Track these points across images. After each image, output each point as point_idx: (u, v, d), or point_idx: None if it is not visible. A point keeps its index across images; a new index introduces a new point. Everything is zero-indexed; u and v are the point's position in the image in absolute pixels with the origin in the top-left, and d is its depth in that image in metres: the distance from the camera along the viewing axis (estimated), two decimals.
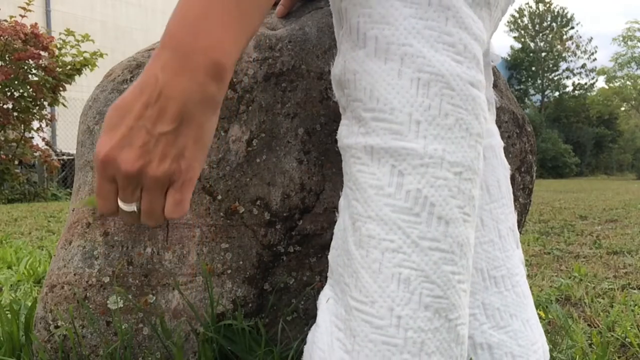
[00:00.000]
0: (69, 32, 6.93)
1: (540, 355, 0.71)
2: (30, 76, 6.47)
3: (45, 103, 6.71)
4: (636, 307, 1.42)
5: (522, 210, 1.03)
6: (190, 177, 0.54)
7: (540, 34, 29.87)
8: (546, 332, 1.06)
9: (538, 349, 0.71)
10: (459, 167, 0.60)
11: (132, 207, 0.54)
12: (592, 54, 30.53)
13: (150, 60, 0.52)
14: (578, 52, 30.33)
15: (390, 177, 0.59)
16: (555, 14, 29.83)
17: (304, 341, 0.72)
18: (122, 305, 0.84)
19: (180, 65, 0.50)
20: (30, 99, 6.50)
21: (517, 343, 0.70)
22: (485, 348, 0.69)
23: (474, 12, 0.62)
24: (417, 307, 0.58)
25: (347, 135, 0.64)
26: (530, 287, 0.77)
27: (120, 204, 0.54)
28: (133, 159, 0.51)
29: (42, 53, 6.46)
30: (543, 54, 29.61)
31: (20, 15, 6.52)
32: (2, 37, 6.25)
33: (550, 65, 29.68)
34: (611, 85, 29.71)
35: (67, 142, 9.14)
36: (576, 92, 30.09)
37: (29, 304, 1.21)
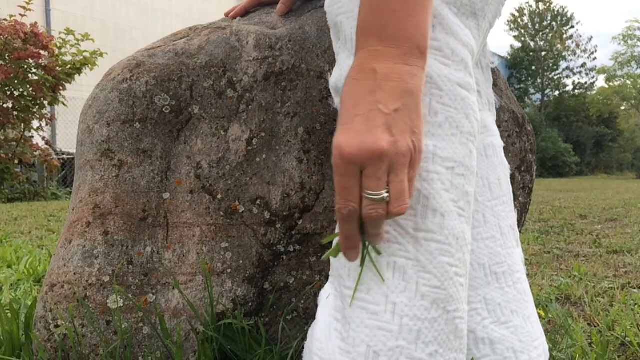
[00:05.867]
0: (69, 32, 6.92)
1: (541, 352, 0.72)
2: (30, 75, 6.47)
3: (45, 102, 6.71)
4: (636, 306, 1.42)
5: (522, 210, 1.03)
6: (420, 153, 0.56)
7: (541, 33, 29.83)
8: (546, 331, 1.06)
9: (539, 345, 0.72)
10: (450, 162, 0.62)
11: (383, 194, 0.55)
12: (592, 53, 30.49)
13: (357, 54, 0.57)
14: (578, 51, 30.30)
15: None
16: (555, 13, 29.80)
17: (304, 340, 0.72)
18: (122, 305, 0.84)
19: (394, 54, 0.56)
20: (30, 98, 6.50)
21: (519, 339, 0.70)
22: (487, 343, 0.69)
23: (460, 21, 0.65)
24: (413, 295, 0.59)
25: None
26: (530, 286, 0.77)
27: (369, 196, 0.55)
28: (379, 138, 0.53)
29: (42, 52, 6.46)
30: (543, 53, 29.57)
31: (20, 14, 6.52)
32: (2, 37, 6.25)
33: (550, 65, 29.64)
34: (611, 84, 29.68)
35: (67, 141, 9.15)
36: (576, 91, 30.06)
37: (29, 303, 1.21)
